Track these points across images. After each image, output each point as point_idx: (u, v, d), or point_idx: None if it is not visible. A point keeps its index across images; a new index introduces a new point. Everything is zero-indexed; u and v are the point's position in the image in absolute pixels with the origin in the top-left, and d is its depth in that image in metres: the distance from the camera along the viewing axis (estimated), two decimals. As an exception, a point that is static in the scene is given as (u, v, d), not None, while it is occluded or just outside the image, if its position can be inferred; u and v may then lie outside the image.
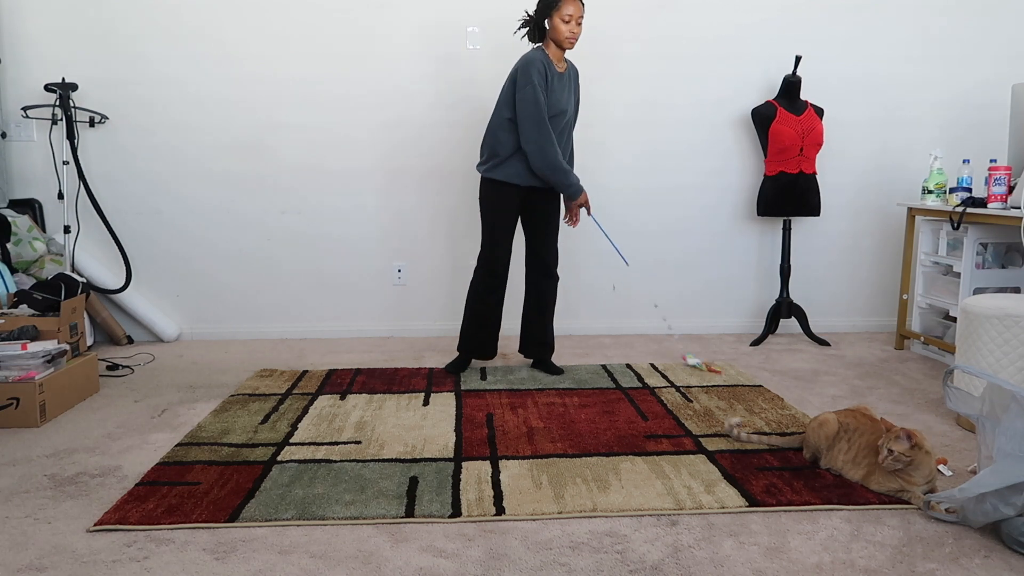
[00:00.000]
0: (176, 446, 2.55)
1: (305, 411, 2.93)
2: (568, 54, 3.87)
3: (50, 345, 2.93)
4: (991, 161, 3.47)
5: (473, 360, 3.60)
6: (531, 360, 3.58)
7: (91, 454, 2.51)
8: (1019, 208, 3.18)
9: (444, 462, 2.42)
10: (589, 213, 3.36)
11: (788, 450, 2.51)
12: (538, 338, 3.47)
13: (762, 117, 3.98)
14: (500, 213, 3.29)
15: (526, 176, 3.22)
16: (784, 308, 4.10)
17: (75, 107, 3.83)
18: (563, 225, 4.20)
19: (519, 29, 3.24)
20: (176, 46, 3.94)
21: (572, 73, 3.28)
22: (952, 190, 3.60)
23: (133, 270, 4.03)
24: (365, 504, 2.11)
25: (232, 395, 3.13)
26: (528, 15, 3.19)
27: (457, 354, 3.51)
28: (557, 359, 3.71)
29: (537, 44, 3.21)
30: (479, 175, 3.41)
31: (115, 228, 3.97)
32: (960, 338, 2.76)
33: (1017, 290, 3.54)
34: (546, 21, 3.13)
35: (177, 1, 3.91)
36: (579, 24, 3.09)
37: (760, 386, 3.25)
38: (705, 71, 4.14)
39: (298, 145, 4.07)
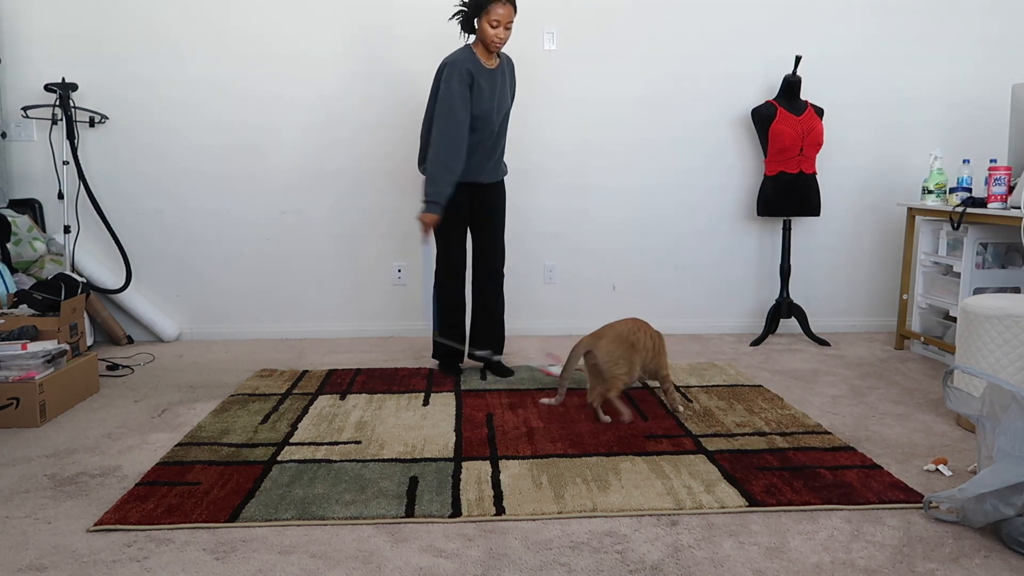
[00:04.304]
0: (176, 446, 2.55)
1: (305, 411, 2.93)
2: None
3: (50, 345, 2.93)
4: (991, 161, 3.47)
5: (470, 360, 3.59)
6: (482, 364, 3.52)
7: (91, 454, 2.51)
8: (1019, 208, 3.18)
9: (444, 462, 2.42)
10: (423, 240, 3.25)
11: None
12: (481, 340, 3.42)
13: (762, 117, 3.98)
14: (449, 215, 3.26)
15: (476, 173, 3.23)
16: (784, 308, 4.10)
17: (75, 107, 3.83)
18: (558, 222, 4.21)
19: (452, 18, 3.19)
20: (176, 46, 3.94)
21: (506, 66, 3.27)
22: (952, 190, 3.60)
23: (133, 270, 4.03)
24: (365, 504, 2.11)
25: (232, 395, 3.13)
26: (464, 4, 3.13)
27: (437, 360, 3.51)
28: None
29: (467, 40, 3.21)
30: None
31: (115, 228, 3.97)
32: (960, 338, 2.76)
33: (1017, 290, 3.54)
34: (475, 21, 3.11)
35: (176, 2, 3.91)
36: (508, 28, 3.05)
37: (760, 386, 3.25)
38: (705, 71, 4.14)
39: (298, 145, 4.07)
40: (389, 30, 3.99)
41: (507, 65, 3.29)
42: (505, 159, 3.46)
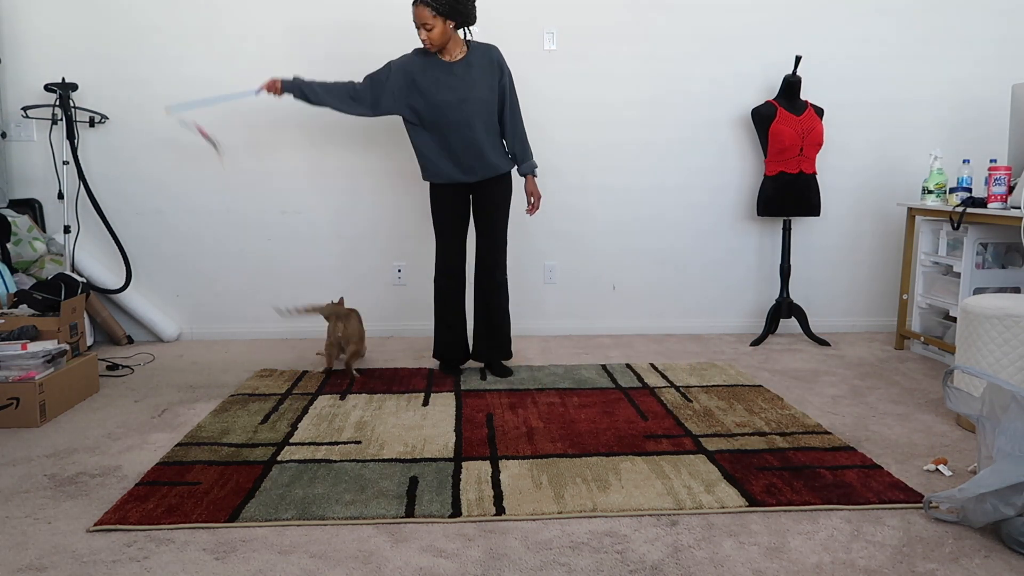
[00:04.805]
0: (176, 446, 2.55)
1: (305, 411, 2.93)
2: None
3: (50, 345, 2.93)
4: (991, 161, 3.47)
5: (471, 360, 3.59)
6: (483, 364, 3.53)
7: (91, 454, 2.51)
8: (1019, 208, 3.18)
9: (444, 462, 2.42)
10: (278, 92, 3.33)
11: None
12: (485, 341, 3.43)
13: (762, 117, 3.98)
14: (443, 215, 3.29)
15: (452, 172, 3.23)
16: (784, 308, 4.10)
17: (75, 107, 3.83)
18: (559, 217, 4.21)
19: None
20: (175, 46, 3.95)
21: (476, 57, 3.18)
22: (952, 190, 3.60)
23: (133, 270, 4.03)
24: (365, 504, 2.11)
25: (232, 395, 3.13)
26: None
27: (437, 360, 3.52)
28: (557, 359, 3.71)
29: None
30: None
31: (115, 228, 3.97)
32: (960, 338, 2.76)
33: (1017, 290, 3.54)
34: None
35: (176, 1, 3.91)
36: (428, 29, 3.04)
37: (760, 386, 3.25)
38: (705, 71, 4.14)
39: (299, 145, 4.07)
40: (391, 29, 3.99)
41: (481, 56, 3.19)
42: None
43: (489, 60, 3.21)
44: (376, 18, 3.99)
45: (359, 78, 3.99)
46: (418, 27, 3.06)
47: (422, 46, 3.16)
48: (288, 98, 4.01)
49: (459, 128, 3.16)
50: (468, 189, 3.30)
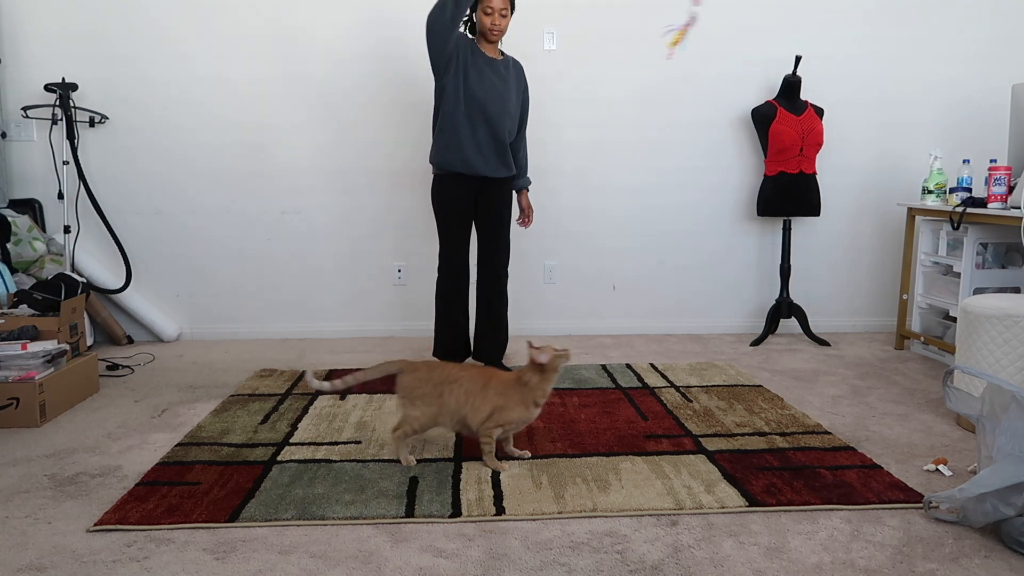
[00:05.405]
0: (176, 446, 2.55)
1: (305, 411, 2.93)
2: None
3: (50, 345, 2.93)
4: (991, 161, 3.47)
5: (471, 360, 3.59)
6: (482, 362, 3.52)
7: (91, 454, 2.51)
8: (1019, 208, 3.18)
9: (444, 462, 2.42)
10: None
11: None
12: (485, 340, 3.44)
13: (762, 117, 3.98)
14: (449, 209, 3.28)
15: (476, 163, 3.21)
16: (784, 308, 4.10)
17: (75, 107, 3.83)
18: (556, 220, 4.21)
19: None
20: (175, 46, 3.95)
21: (511, 68, 3.28)
22: (952, 190, 3.60)
23: (133, 270, 4.03)
24: (365, 504, 2.11)
25: (232, 395, 3.13)
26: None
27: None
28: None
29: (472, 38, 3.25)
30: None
31: (115, 228, 3.97)
32: (960, 338, 2.76)
33: (1017, 290, 3.54)
34: (475, 15, 3.20)
35: (176, 1, 3.92)
36: (503, 16, 3.12)
37: (760, 386, 3.25)
38: (705, 70, 4.14)
39: (298, 145, 4.07)
40: (392, 29, 3.99)
41: (514, 66, 3.31)
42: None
43: (519, 71, 3.34)
44: (384, 15, 3.99)
45: (374, 75, 4.02)
46: (492, 13, 3.10)
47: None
48: (291, 94, 4.02)
49: (491, 122, 3.19)
50: (476, 186, 3.29)
